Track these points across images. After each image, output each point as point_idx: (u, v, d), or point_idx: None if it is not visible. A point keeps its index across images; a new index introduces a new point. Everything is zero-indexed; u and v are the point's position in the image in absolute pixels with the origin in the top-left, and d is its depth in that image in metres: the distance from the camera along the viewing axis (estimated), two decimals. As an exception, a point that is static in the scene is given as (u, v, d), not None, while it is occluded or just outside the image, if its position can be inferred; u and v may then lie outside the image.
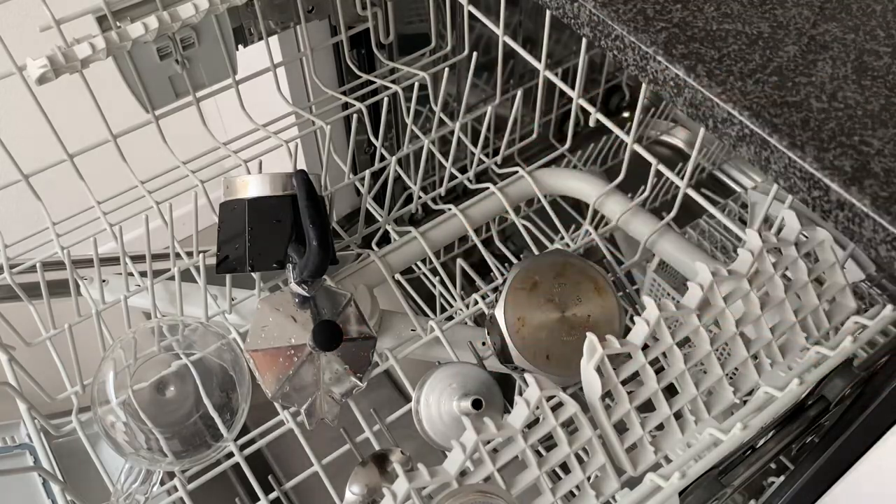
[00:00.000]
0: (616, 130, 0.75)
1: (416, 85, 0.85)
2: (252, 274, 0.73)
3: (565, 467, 0.54)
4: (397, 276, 0.81)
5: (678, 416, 0.55)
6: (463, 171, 0.88)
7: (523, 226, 0.81)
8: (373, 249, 0.77)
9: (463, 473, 0.51)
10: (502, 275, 0.79)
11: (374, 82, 0.88)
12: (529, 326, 0.64)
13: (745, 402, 0.56)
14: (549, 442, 0.54)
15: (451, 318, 0.77)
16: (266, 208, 0.69)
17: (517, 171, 0.82)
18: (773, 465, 0.74)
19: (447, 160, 0.85)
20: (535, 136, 0.88)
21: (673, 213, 0.75)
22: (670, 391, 0.56)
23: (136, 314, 0.79)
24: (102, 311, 0.73)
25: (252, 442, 0.67)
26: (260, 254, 0.68)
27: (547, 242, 0.96)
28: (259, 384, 0.65)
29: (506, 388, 0.66)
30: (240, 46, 0.81)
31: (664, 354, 0.56)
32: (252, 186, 0.70)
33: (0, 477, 0.86)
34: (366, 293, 0.75)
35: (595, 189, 0.80)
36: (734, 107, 0.51)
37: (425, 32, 0.92)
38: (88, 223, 0.77)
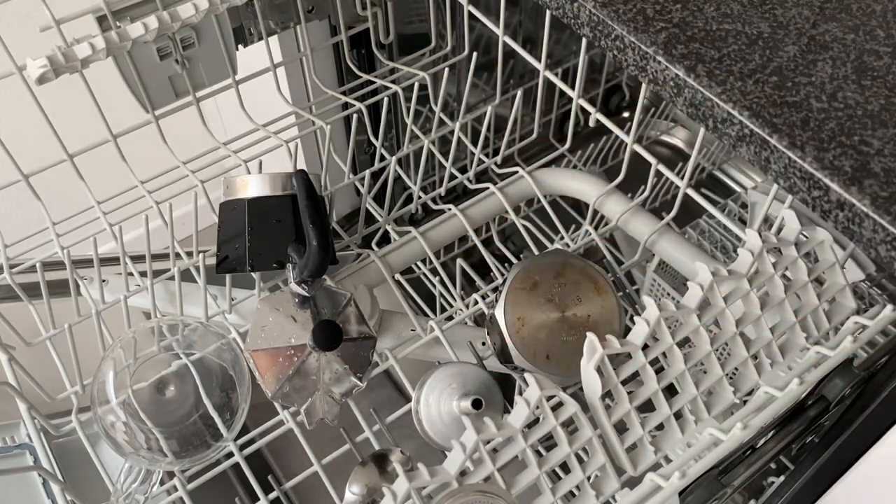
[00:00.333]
0: (616, 130, 0.75)
1: (416, 85, 0.85)
2: (252, 274, 0.73)
3: (565, 467, 0.54)
4: (397, 276, 0.81)
5: (678, 415, 0.55)
6: (463, 171, 0.88)
7: (523, 226, 0.81)
8: (373, 249, 0.77)
9: (463, 473, 0.51)
10: (502, 275, 0.79)
11: (374, 82, 0.88)
12: (529, 326, 0.64)
13: (745, 402, 0.56)
14: (549, 442, 0.54)
15: (451, 318, 0.77)
16: (266, 208, 0.69)
17: (517, 171, 0.82)
18: (773, 465, 0.74)
19: (447, 160, 0.85)
20: (535, 136, 0.88)
21: (673, 213, 0.75)
22: (670, 391, 0.56)
23: (136, 314, 0.79)
24: (102, 311, 0.73)
25: (252, 442, 0.67)
26: (260, 254, 0.68)
27: (547, 242, 0.96)
28: (259, 384, 0.65)
29: (506, 388, 0.66)
30: (240, 46, 0.81)
31: (664, 354, 0.55)
32: (252, 186, 0.70)
33: (0, 477, 0.86)
34: (366, 293, 0.75)
35: (595, 189, 0.80)
36: (734, 107, 0.51)
37: (425, 32, 0.92)
38: (88, 223, 0.77)
